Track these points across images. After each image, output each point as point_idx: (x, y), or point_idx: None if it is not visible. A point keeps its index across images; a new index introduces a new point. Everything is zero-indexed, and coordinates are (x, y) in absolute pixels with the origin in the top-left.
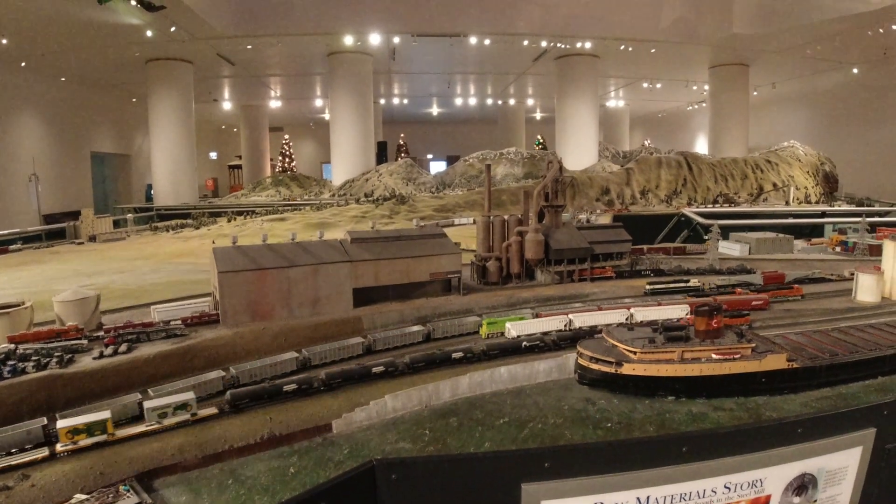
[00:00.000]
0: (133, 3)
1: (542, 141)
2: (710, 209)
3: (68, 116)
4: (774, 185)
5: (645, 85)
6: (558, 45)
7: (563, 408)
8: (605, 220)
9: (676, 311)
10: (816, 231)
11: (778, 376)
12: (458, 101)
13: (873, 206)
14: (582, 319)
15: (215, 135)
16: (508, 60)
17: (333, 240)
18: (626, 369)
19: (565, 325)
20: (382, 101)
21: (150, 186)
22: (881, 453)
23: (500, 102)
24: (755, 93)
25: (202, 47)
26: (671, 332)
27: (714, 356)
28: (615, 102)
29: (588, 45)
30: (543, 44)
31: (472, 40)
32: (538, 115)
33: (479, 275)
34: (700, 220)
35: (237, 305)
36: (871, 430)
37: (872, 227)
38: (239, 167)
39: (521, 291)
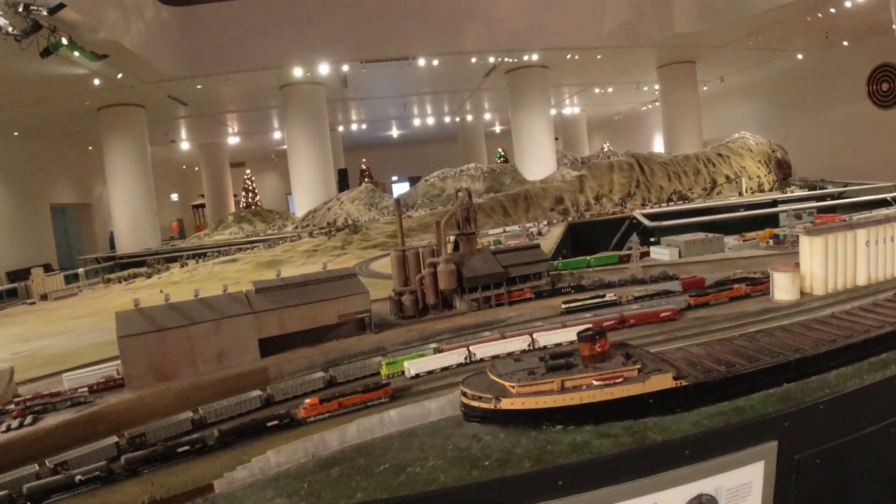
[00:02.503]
0: (76, 53)
1: (503, 154)
2: (659, 209)
3: (24, 171)
4: (727, 177)
5: (597, 90)
6: (506, 59)
7: (447, 448)
8: (558, 229)
9: (578, 331)
10: (771, 220)
11: (666, 396)
12: (417, 122)
13: (826, 188)
14: (483, 350)
15: (177, 175)
16: (461, 78)
17: (238, 292)
18: (505, 404)
19: (465, 358)
20: (341, 129)
21: (112, 234)
22: (789, 465)
23: (458, 119)
24: (705, 87)
25: (152, 90)
26: (555, 361)
27: (595, 382)
28: (571, 109)
29: (535, 56)
30: (491, 59)
31: (421, 62)
32: (497, 129)
33: (396, 309)
34: (646, 221)
35: (140, 368)
36: (772, 443)
37: (822, 211)
38: (203, 206)
39: (437, 323)
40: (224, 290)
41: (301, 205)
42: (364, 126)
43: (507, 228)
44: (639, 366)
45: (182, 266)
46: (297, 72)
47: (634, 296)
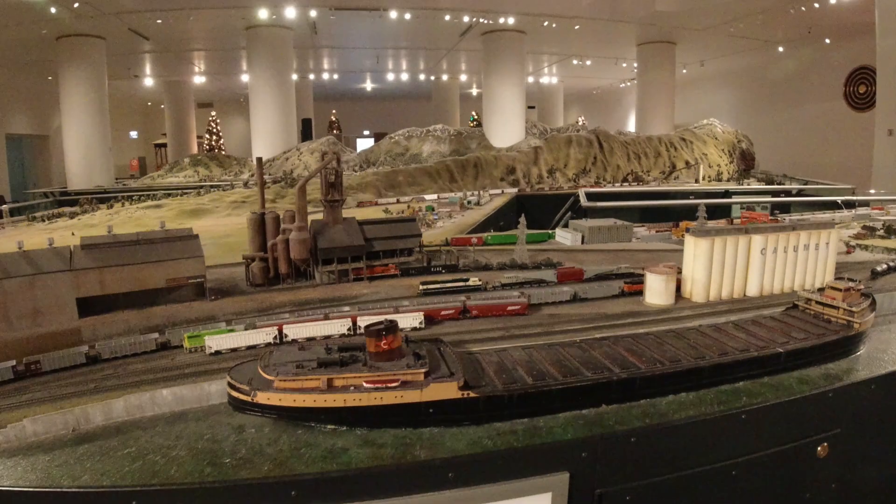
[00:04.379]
0: None
1: (476, 118)
2: (603, 189)
3: None
4: (687, 162)
5: (575, 62)
6: (481, 20)
7: (203, 438)
8: (501, 200)
9: (409, 319)
10: (722, 210)
11: (450, 407)
12: (391, 77)
13: (784, 185)
14: (296, 331)
15: (141, 113)
16: (437, 35)
17: (65, 247)
18: (262, 399)
19: (275, 338)
20: (312, 77)
21: None
22: (587, 500)
23: (432, 78)
24: (684, 70)
25: (112, 22)
26: (337, 355)
27: (366, 385)
28: (549, 79)
29: (511, 20)
30: (466, 19)
31: (393, 14)
32: (474, 91)
33: (247, 277)
34: (583, 200)
35: None
36: (562, 474)
37: (776, 207)
38: (165, 146)
39: (282, 295)
40: (50, 243)
41: (260, 152)
42: (336, 76)
43: (445, 195)
44: (426, 369)
45: (109, 207)
46: (263, 13)
47: (502, 282)
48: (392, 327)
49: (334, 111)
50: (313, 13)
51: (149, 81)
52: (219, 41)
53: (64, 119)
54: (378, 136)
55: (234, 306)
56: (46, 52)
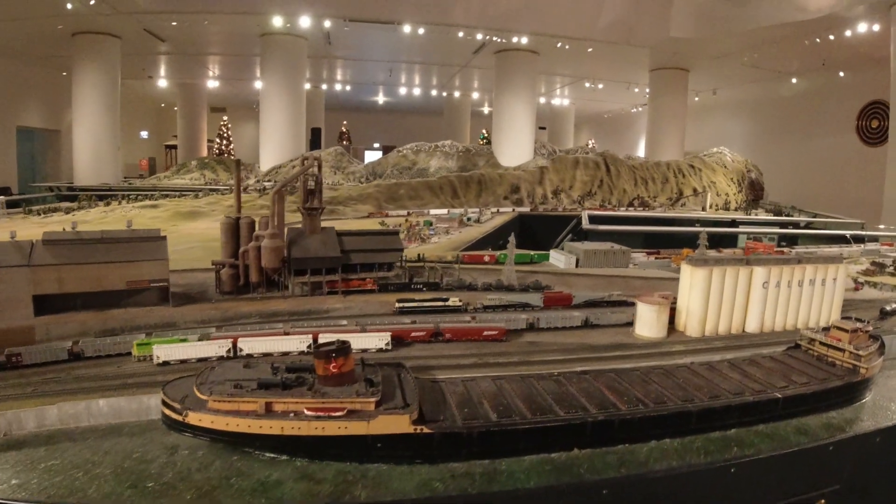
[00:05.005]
0: None
1: (486, 135)
2: (606, 213)
3: None
4: (694, 189)
5: (587, 85)
6: (494, 38)
7: (131, 456)
8: (502, 219)
9: (375, 339)
10: (728, 240)
11: (400, 443)
12: (403, 91)
13: (793, 216)
14: (252, 345)
15: (154, 113)
16: (450, 52)
17: (27, 241)
18: (193, 419)
19: (228, 352)
20: (325, 87)
21: None
22: None
23: (444, 94)
24: (696, 98)
25: (128, 22)
26: (283, 376)
27: (306, 412)
28: (560, 101)
29: (525, 40)
30: (479, 37)
31: (407, 29)
32: (486, 110)
33: (216, 283)
34: (585, 222)
35: None
36: None
37: (784, 239)
38: (175, 147)
39: (249, 305)
40: (11, 236)
41: (268, 159)
42: (349, 87)
43: (451, 211)
44: (377, 398)
45: (107, 205)
46: (277, 21)
47: (484, 304)
48: (344, 349)
49: (345, 122)
50: (328, 23)
51: (163, 83)
52: (234, 46)
53: (75, 115)
54: (387, 149)
55: (196, 314)
56: (62, 48)
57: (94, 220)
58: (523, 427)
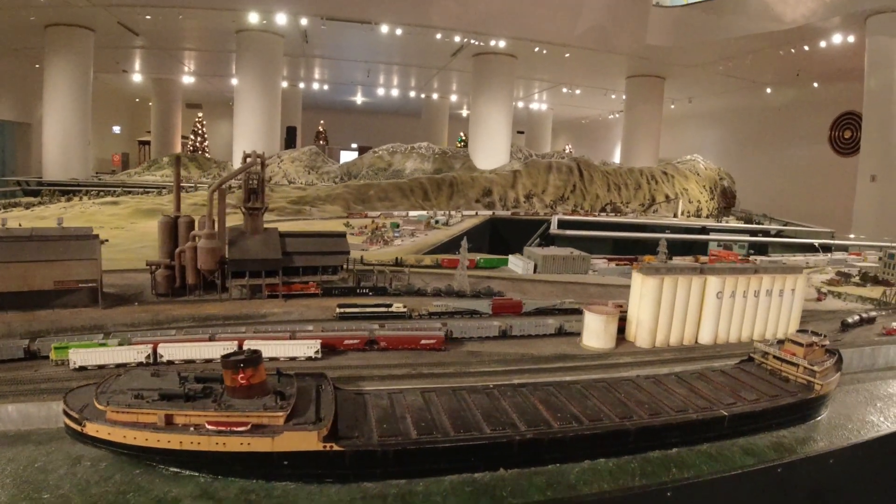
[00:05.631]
0: None
1: (464, 138)
2: (577, 217)
3: None
4: (667, 196)
5: (565, 90)
6: (472, 41)
7: (35, 464)
8: (471, 222)
9: (303, 347)
10: (698, 247)
11: (309, 461)
12: (381, 92)
13: (764, 224)
14: (173, 352)
15: (128, 108)
16: (428, 54)
17: None
18: (91, 430)
19: (147, 358)
20: (302, 86)
21: None
22: None
23: (423, 96)
24: (672, 106)
25: (102, 14)
26: (187, 386)
27: (208, 426)
28: (539, 105)
29: (503, 43)
30: (458, 39)
31: (384, 29)
32: (464, 112)
33: (152, 285)
34: (553, 226)
35: None
36: None
37: (753, 247)
38: (148, 143)
39: (183, 308)
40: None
41: (241, 157)
42: (326, 87)
43: (413, 213)
44: (286, 412)
45: (68, 200)
46: (254, 17)
47: (430, 311)
48: (253, 359)
49: (322, 121)
50: (304, 21)
51: (137, 77)
52: (209, 42)
53: (45, 108)
54: (363, 150)
55: (127, 316)
56: (34, 40)
57: (51, 215)
58: (444, 445)
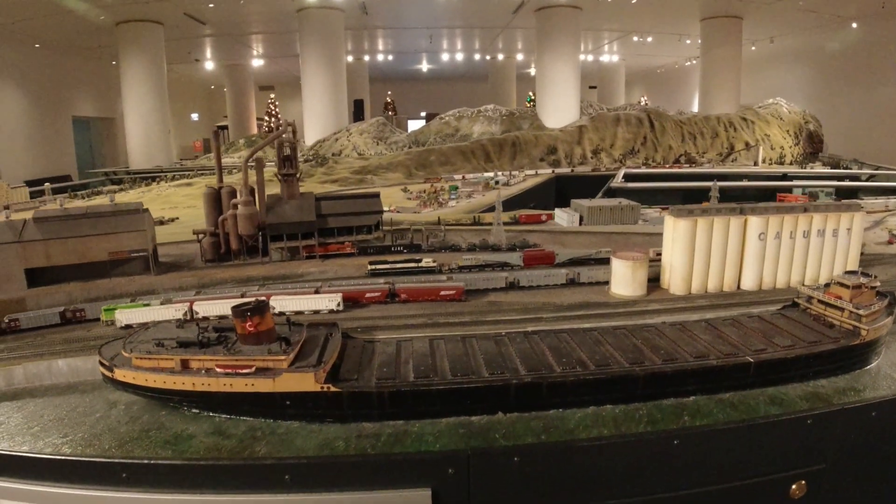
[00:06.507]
0: None
1: (533, 98)
2: (645, 171)
3: (46, 82)
4: (746, 144)
5: (635, 39)
6: None
7: (77, 409)
8: (534, 181)
9: (325, 301)
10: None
11: (308, 401)
12: (446, 58)
13: (852, 169)
14: (207, 308)
15: (204, 96)
16: (489, 13)
17: (21, 220)
18: (119, 375)
19: (185, 315)
20: (367, 58)
21: None
22: None
23: (488, 58)
24: (753, 48)
25: (168, 7)
26: (206, 335)
27: (217, 369)
28: (609, 57)
29: None
30: None
31: None
32: (532, 71)
33: (200, 252)
34: (616, 180)
35: None
36: (423, 490)
37: (841, 192)
38: (226, 128)
39: (227, 271)
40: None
41: (311, 134)
42: (391, 58)
43: (477, 176)
44: (289, 357)
45: (147, 185)
46: None
47: (460, 265)
48: (259, 308)
49: (389, 92)
50: None
51: (209, 65)
52: (273, 24)
53: (125, 102)
54: (431, 118)
55: (175, 281)
56: (107, 38)
57: (131, 200)
58: (438, 388)
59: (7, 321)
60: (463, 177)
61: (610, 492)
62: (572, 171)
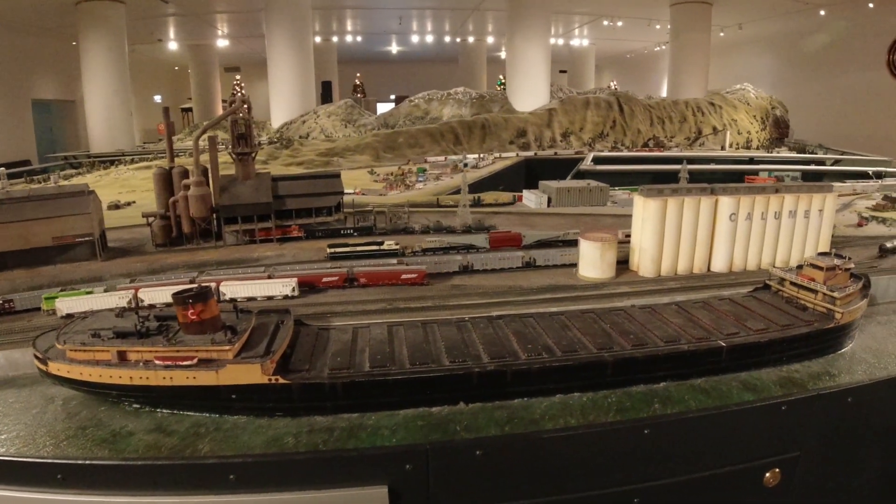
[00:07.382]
0: None
1: (503, 81)
2: (613, 154)
3: (4, 64)
4: (714, 128)
5: (606, 23)
6: None
7: (13, 404)
8: (502, 164)
9: (279, 286)
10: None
11: (255, 394)
12: (416, 39)
13: (818, 154)
14: (152, 295)
15: (168, 77)
16: None
17: None
18: (53, 368)
19: (129, 302)
20: (336, 39)
21: None
22: None
23: (458, 40)
24: (722, 34)
25: None
26: (145, 324)
27: (156, 361)
28: (580, 41)
29: None
30: None
31: None
32: (503, 55)
33: (151, 236)
34: (585, 163)
35: None
36: (379, 488)
37: (806, 177)
38: (191, 110)
39: (178, 256)
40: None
41: (278, 116)
42: (360, 38)
43: (432, 158)
44: (235, 347)
45: (105, 169)
46: None
47: (424, 247)
48: (202, 294)
49: (358, 74)
50: None
51: (173, 45)
52: (238, 3)
53: (85, 84)
54: (401, 100)
55: (123, 267)
56: (68, 18)
57: (90, 183)
58: (395, 378)
59: None
60: (426, 160)
61: (578, 484)
62: (535, 154)
